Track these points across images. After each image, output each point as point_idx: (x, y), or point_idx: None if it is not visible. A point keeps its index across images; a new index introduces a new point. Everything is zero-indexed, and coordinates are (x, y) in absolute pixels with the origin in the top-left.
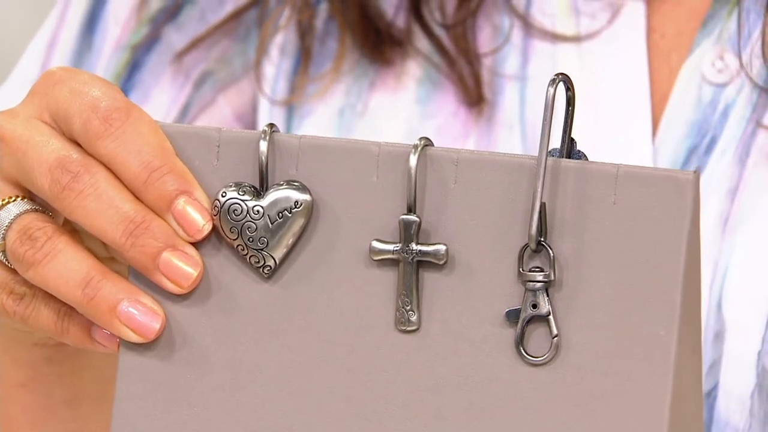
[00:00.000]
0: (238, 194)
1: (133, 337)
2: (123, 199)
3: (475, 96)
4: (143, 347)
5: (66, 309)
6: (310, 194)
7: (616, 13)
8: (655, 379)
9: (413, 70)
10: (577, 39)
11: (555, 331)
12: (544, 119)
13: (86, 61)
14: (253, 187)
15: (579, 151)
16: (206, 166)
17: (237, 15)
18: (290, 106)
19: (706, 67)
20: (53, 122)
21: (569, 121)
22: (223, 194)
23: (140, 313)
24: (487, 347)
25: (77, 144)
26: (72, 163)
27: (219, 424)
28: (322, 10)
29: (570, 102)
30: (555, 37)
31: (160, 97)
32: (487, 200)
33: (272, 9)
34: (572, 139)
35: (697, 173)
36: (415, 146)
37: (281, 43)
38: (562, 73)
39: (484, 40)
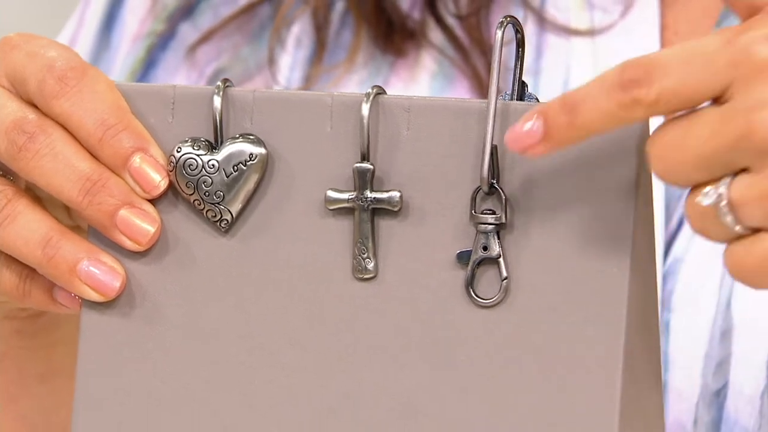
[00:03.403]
0: (193, 149)
1: (94, 296)
2: (79, 158)
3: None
4: (104, 306)
5: (28, 272)
6: (265, 147)
7: (629, 7)
8: (609, 317)
9: (427, 62)
10: (590, 33)
11: (504, 274)
12: (493, 62)
13: (103, 58)
14: (208, 141)
15: (531, 93)
16: (161, 123)
17: (250, 8)
18: None
19: None
20: (10, 86)
21: (519, 64)
22: (179, 150)
23: (101, 272)
24: (442, 291)
25: (34, 106)
26: (28, 123)
27: (181, 380)
28: (338, 2)
29: (520, 44)
30: (569, 32)
31: None
32: (440, 145)
33: (286, 0)
34: (523, 83)
35: None
36: (367, 95)
37: (297, 34)
38: (510, 16)
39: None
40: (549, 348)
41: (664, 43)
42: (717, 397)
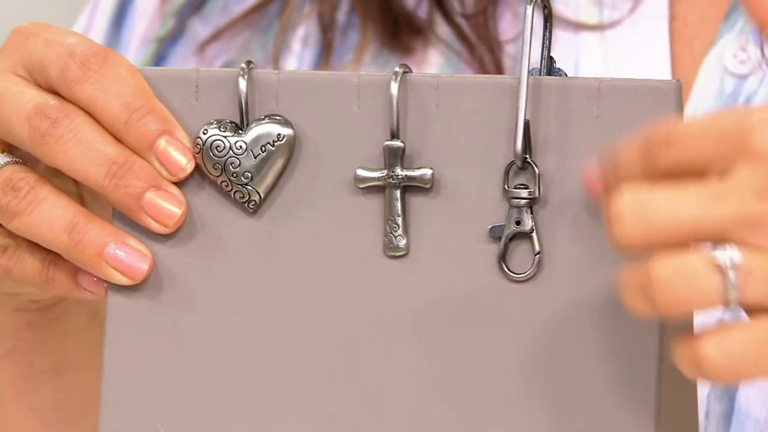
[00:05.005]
0: (220, 131)
1: (122, 280)
2: (104, 142)
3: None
4: (131, 290)
5: (51, 257)
6: (292, 127)
7: (638, 3)
8: None
9: (434, 58)
10: (599, 28)
11: (537, 248)
12: (524, 37)
13: None
14: (234, 123)
15: (559, 69)
16: (185, 106)
17: (259, 7)
18: None
19: (728, 59)
20: (27, 75)
21: (548, 39)
22: (205, 132)
23: (128, 255)
24: (474, 266)
25: (54, 92)
26: (50, 109)
27: (210, 361)
28: (344, 2)
29: (547, 20)
30: (578, 26)
31: None
32: (470, 122)
33: (293, 0)
34: (551, 58)
35: (679, 82)
36: (395, 73)
37: (303, 36)
38: None
39: (505, 27)
40: (583, 321)
41: (672, 34)
42: (728, 389)
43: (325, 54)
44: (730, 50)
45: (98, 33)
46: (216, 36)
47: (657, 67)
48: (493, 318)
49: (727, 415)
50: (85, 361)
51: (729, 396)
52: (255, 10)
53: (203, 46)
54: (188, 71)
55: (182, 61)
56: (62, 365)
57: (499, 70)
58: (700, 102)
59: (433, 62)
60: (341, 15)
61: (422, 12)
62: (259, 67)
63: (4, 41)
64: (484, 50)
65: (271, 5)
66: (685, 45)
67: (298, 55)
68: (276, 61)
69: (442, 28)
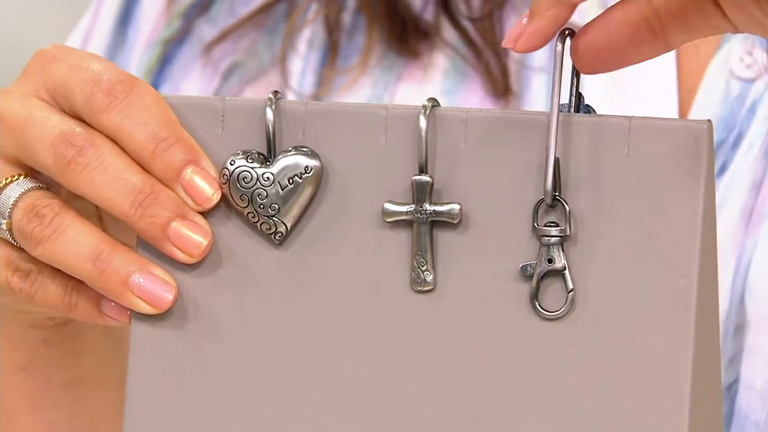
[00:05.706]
0: (247, 162)
1: (146, 309)
2: (130, 171)
3: (501, 87)
4: (155, 319)
5: (74, 283)
6: (320, 159)
7: None
8: (676, 328)
9: (440, 61)
10: None
11: (570, 286)
12: (554, 74)
13: (119, 56)
14: (261, 154)
15: (587, 105)
16: (211, 135)
17: (266, 8)
18: (318, 99)
19: (734, 63)
20: (51, 99)
21: (577, 75)
22: (232, 162)
23: (153, 284)
24: (504, 304)
25: (78, 119)
26: (76, 136)
27: (234, 393)
28: (350, 4)
29: None
30: None
31: (190, 90)
32: (499, 158)
33: (300, 3)
34: (580, 94)
35: (710, 122)
36: (424, 107)
37: (309, 38)
38: (569, 28)
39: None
40: (616, 360)
41: None
42: (728, 391)
43: (331, 56)
44: (737, 54)
45: (103, 34)
46: (222, 37)
47: (663, 72)
48: (523, 356)
49: (727, 419)
50: (99, 377)
51: (729, 399)
52: (261, 11)
53: (209, 47)
54: (215, 100)
55: (188, 62)
56: (77, 380)
57: (504, 74)
58: (706, 106)
59: (439, 66)
60: (347, 17)
61: (428, 15)
62: (265, 69)
63: (27, 64)
64: (490, 54)
65: (277, 6)
66: (691, 49)
67: (304, 56)
68: (283, 62)
69: (449, 32)
